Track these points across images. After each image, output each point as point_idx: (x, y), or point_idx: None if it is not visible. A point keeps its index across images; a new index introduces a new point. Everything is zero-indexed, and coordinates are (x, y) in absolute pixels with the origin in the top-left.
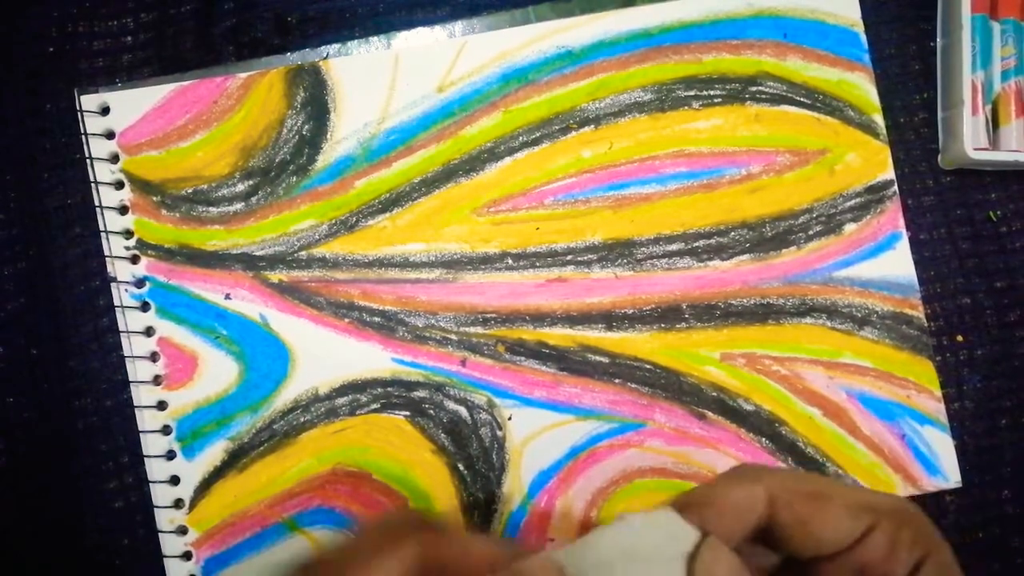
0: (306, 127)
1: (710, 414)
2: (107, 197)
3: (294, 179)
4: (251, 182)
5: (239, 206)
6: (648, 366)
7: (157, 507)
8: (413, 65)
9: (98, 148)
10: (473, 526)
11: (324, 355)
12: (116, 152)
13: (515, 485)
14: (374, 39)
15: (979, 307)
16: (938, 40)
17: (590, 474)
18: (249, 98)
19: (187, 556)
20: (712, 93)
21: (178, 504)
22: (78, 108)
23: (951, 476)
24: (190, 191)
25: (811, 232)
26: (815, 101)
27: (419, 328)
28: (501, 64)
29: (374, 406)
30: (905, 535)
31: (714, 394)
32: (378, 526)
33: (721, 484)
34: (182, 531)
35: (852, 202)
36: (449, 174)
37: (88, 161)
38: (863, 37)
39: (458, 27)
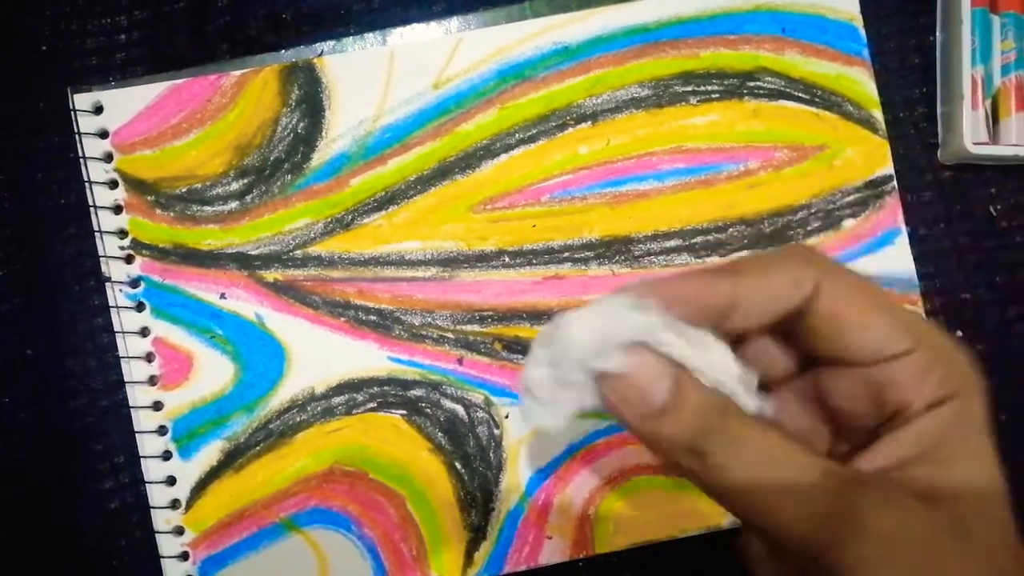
0: (301, 125)
1: None
2: (101, 197)
3: (289, 177)
4: (246, 181)
5: (234, 205)
6: None
7: (154, 507)
8: (408, 62)
9: (92, 147)
10: (470, 524)
11: (320, 354)
12: (110, 151)
13: (513, 483)
14: (369, 36)
15: (979, 302)
16: (938, 34)
17: (588, 472)
18: (243, 96)
19: (184, 556)
20: (710, 88)
21: (175, 504)
22: (71, 107)
23: None
24: (184, 190)
25: (810, 228)
26: (813, 96)
27: (415, 327)
28: (497, 60)
29: (370, 405)
30: (938, 370)
31: None
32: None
33: (771, 258)
34: (179, 531)
35: (851, 197)
36: (445, 171)
37: (82, 160)
38: (862, 31)
39: (453, 23)
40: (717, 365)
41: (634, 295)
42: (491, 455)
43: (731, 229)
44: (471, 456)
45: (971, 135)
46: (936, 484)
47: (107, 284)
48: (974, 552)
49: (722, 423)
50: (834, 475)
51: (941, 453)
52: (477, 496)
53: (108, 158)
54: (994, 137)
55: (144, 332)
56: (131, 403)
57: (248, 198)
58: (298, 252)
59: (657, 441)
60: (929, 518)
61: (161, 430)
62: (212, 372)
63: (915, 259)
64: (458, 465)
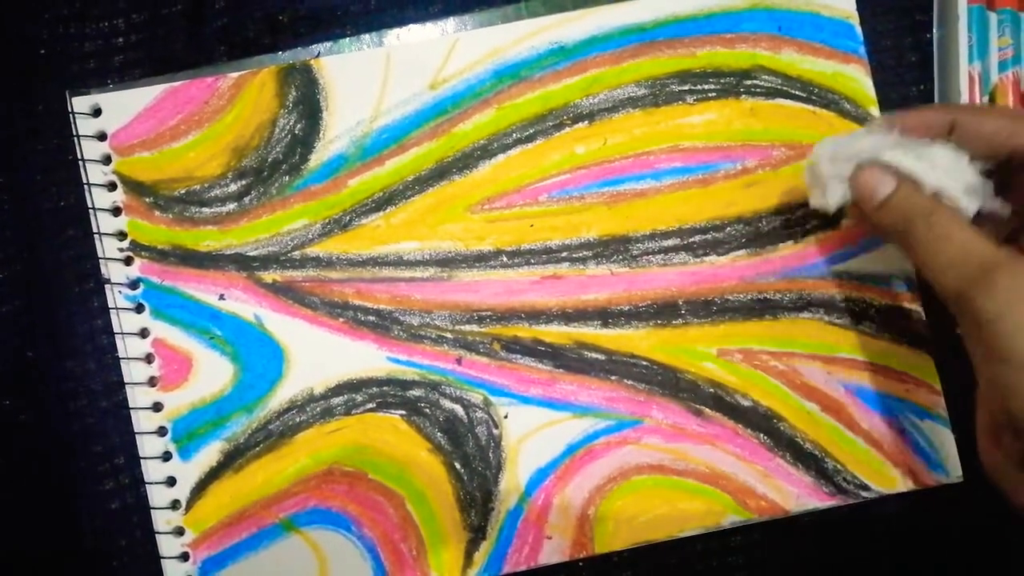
0: (298, 126)
1: (707, 410)
2: (100, 199)
3: (287, 179)
4: (244, 182)
5: (232, 206)
6: (644, 363)
7: (154, 508)
8: (405, 63)
9: (90, 150)
10: (470, 524)
11: (319, 355)
12: (108, 153)
13: (512, 483)
14: (365, 37)
15: None
16: (934, 31)
17: (587, 471)
18: (241, 98)
19: (184, 557)
20: (706, 87)
21: (175, 505)
22: (70, 110)
23: (952, 470)
24: (183, 192)
25: (808, 226)
26: (810, 94)
27: (414, 327)
28: (494, 61)
29: (370, 405)
30: None
31: (711, 390)
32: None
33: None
34: (179, 532)
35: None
36: (443, 172)
37: (80, 163)
38: (858, 29)
39: (450, 24)
40: (942, 174)
41: (875, 124)
42: (490, 455)
43: (729, 228)
44: (470, 456)
45: None
46: None
47: (106, 286)
48: None
49: (924, 218)
50: (985, 253)
51: None
52: (476, 496)
53: (107, 160)
54: None
55: (143, 333)
56: (131, 404)
57: (246, 199)
58: (296, 253)
59: (879, 225)
60: None
61: (161, 431)
62: (211, 373)
63: None
64: (457, 465)
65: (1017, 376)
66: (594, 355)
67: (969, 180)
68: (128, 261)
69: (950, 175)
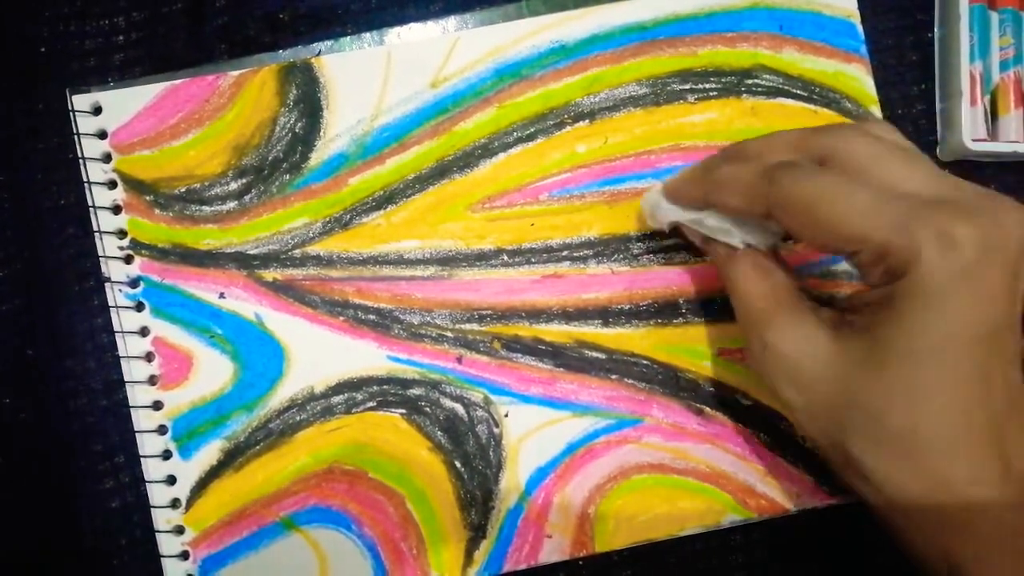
0: (299, 125)
1: (708, 409)
2: (100, 197)
3: (287, 177)
4: (244, 180)
5: (232, 205)
6: (645, 362)
7: (154, 507)
8: (406, 61)
9: (90, 148)
10: (470, 523)
11: (319, 354)
12: (108, 152)
13: (512, 482)
14: (366, 35)
15: None
16: (936, 30)
17: (587, 470)
18: (241, 96)
19: (184, 556)
20: (707, 86)
21: (175, 504)
22: (70, 108)
23: None
24: (183, 190)
25: None
26: (812, 93)
27: (414, 326)
28: (494, 59)
29: (370, 404)
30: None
31: (712, 389)
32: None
33: (732, 175)
34: (179, 531)
35: None
36: (443, 170)
37: (81, 161)
38: (860, 28)
39: (451, 23)
40: (716, 223)
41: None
42: (491, 454)
43: None
44: (471, 455)
45: (970, 132)
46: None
47: (106, 284)
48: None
49: (727, 261)
50: (762, 301)
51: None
52: (477, 495)
53: (107, 159)
54: (993, 134)
55: (144, 332)
56: (131, 403)
57: (247, 198)
58: (297, 251)
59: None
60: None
61: (161, 429)
62: (212, 371)
63: None
64: (458, 464)
65: (794, 417)
66: (595, 354)
67: (754, 231)
68: (128, 259)
69: (740, 228)
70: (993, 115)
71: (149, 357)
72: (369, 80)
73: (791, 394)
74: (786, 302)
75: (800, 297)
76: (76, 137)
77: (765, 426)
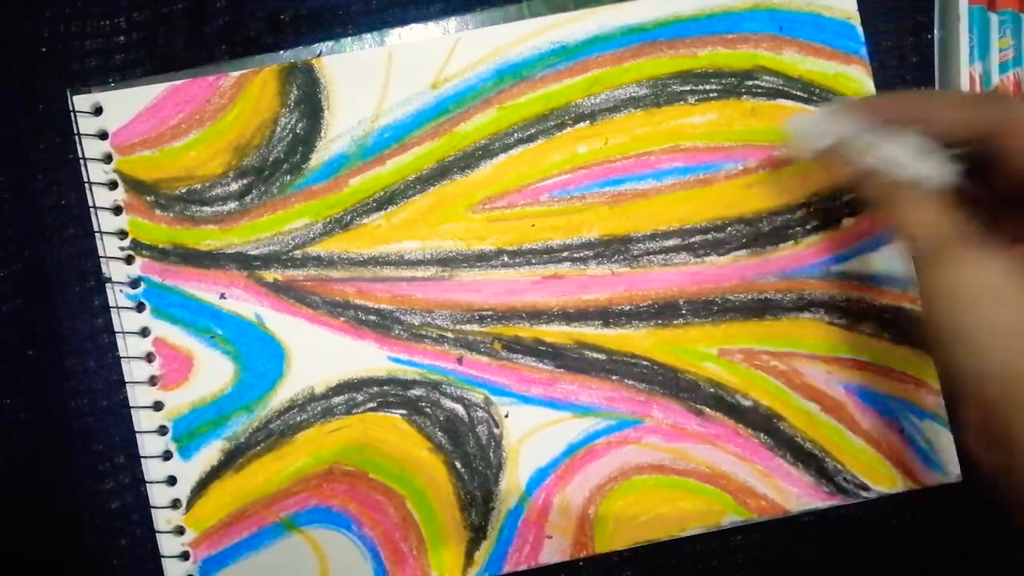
0: (300, 125)
1: (708, 410)
2: (101, 197)
3: (288, 178)
4: (245, 181)
5: (233, 205)
6: (645, 362)
7: (154, 507)
8: (407, 62)
9: (91, 148)
10: (470, 524)
11: (320, 354)
12: (109, 152)
13: (512, 482)
14: (367, 36)
15: None
16: (935, 32)
17: (587, 471)
18: (242, 97)
19: (185, 556)
20: (708, 88)
21: (175, 504)
22: (71, 108)
23: (951, 470)
24: (184, 191)
25: (808, 227)
26: (811, 95)
27: (415, 326)
28: (495, 60)
29: (370, 405)
30: None
31: (712, 390)
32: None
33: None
34: (179, 531)
35: (849, 196)
36: (444, 171)
37: (82, 161)
38: (859, 30)
39: (451, 23)
40: (911, 160)
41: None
42: (491, 454)
43: (730, 228)
44: (471, 455)
45: None
46: None
47: (107, 285)
48: None
49: (895, 195)
50: (940, 235)
51: None
52: (477, 495)
53: (108, 159)
54: None
55: (144, 332)
56: (131, 403)
57: (247, 198)
58: (297, 252)
59: (861, 195)
60: None
61: (161, 430)
62: (212, 372)
63: None
64: (458, 464)
65: (947, 347)
66: (595, 355)
67: (935, 165)
68: (129, 260)
69: (918, 161)
70: None
71: (150, 358)
72: (370, 81)
73: (967, 321)
74: (959, 232)
75: (970, 230)
76: (77, 137)
77: (765, 427)
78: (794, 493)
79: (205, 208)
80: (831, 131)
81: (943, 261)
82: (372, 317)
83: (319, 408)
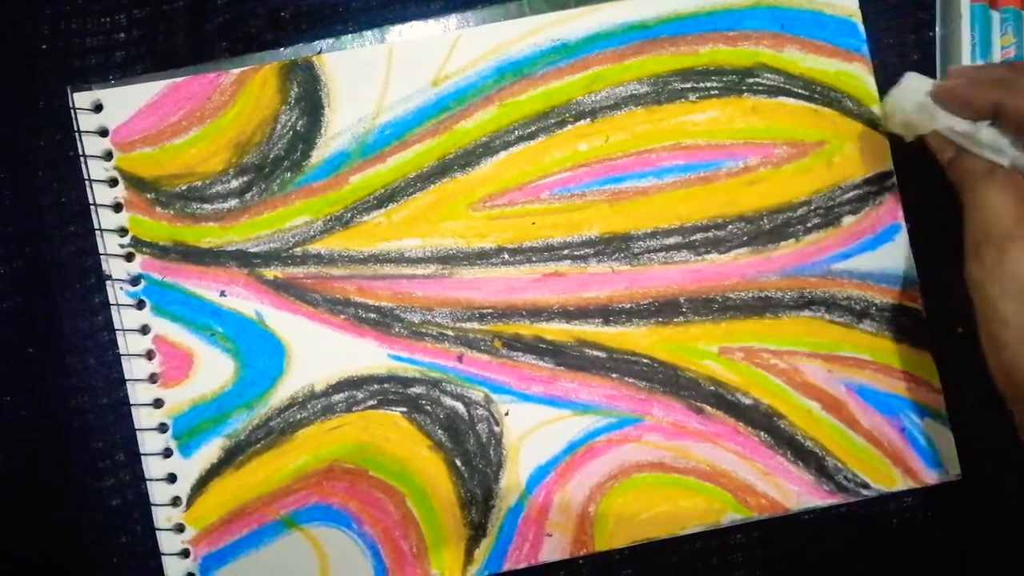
0: (300, 123)
1: (708, 408)
2: (101, 195)
3: (288, 175)
4: (245, 178)
5: (233, 203)
6: (646, 360)
7: (154, 505)
8: (407, 59)
9: (92, 145)
10: (470, 522)
11: (320, 352)
12: (110, 149)
13: (513, 480)
14: (367, 33)
15: None
16: (937, 30)
17: (588, 469)
18: (242, 94)
19: (185, 553)
20: (709, 85)
21: (175, 502)
22: (71, 105)
23: (951, 469)
24: (184, 188)
25: (809, 224)
26: (813, 92)
27: (415, 324)
28: (496, 57)
29: (371, 402)
30: None
31: (712, 388)
32: None
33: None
34: (179, 529)
35: (850, 194)
36: (444, 169)
37: (82, 158)
38: (861, 27)
39: (452, 21)
40: (989, 151)
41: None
42: (491, 452)
43: (731, 226)
44: (471, 453)
45: None
46: None
47: (107, 282)
48: None
49: (972, 181)
50: (1005, 225)
51: None
52: (477, 493)
53: (108, 156)
54: None
55: (144, 330)
56: (131, 400)
57: (248, 196)
58: (298, 250)
59: (948, 176)
60: None
61: (162, 427)
62: (212, 369)
63: (915, 255)
64: (458, 462)
65: (1004, 334)
66: (595, 353)
67: (1014, 156)
68: (129, 257)
69: (996, 153)
70: None
71: (150, 355)
72: (370, 78)
73: (1016, 307)
74: None
75: None
76: (77, 134)
77: (765, 425)
78: (794, 491)
79: (205, 205)
80: (936, 115)
81: (1008, 241)
82: (372, 315)
83: (319, 406)
